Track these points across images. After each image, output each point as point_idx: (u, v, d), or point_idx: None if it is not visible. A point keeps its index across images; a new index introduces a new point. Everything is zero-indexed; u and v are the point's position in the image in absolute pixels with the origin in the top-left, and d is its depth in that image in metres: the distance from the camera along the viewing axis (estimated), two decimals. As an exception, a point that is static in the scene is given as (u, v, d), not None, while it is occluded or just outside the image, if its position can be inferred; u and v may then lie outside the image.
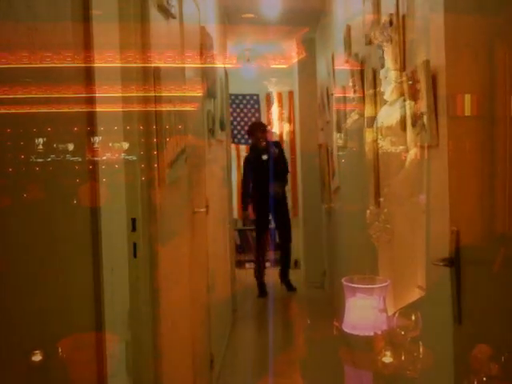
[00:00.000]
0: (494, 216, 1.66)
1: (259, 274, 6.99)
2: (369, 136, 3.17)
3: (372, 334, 2.53)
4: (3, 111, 1.32)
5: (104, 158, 2.02)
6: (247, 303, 6.71)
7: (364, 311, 2.52)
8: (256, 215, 7.08)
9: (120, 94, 2.15)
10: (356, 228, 4.13)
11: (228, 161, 6.24)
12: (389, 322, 2.45)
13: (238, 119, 8.68)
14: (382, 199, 2.98)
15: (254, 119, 8.62)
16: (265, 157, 6.88)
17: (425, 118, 2.13)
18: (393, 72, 2.52)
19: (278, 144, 7.35)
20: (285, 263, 7.11)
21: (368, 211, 3.14)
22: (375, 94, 3.07)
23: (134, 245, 2.18)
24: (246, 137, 8.69)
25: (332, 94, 5.36)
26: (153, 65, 2.32)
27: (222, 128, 5.27)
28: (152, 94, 2.32)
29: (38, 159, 1.47)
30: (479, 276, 1.77)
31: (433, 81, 2.12)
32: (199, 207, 3.58)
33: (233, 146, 8.03)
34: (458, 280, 1.82)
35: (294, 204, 8.24)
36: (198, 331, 3.42)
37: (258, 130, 7.01)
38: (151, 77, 2.32)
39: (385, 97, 2.70)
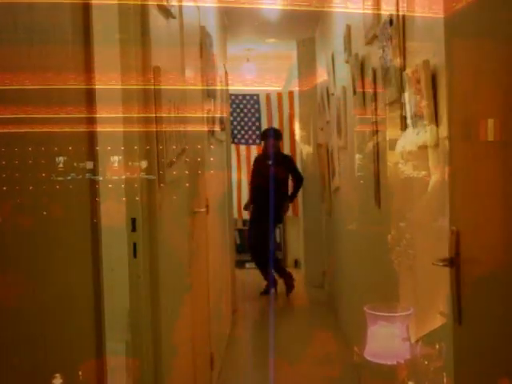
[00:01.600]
0: (494, 217, 1.66)
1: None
2: (390, 159, 3.07)
3: (395, 362, 2.46)
4: (10, 130, 1.33)
5: (104, 158, 2.02)
6: (247, 303, 6.70)
7: (386, 340, 2.45)
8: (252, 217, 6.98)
9: (120, 94, 2.15)
10: (357, 231, 4.12)
11: (228, 161, 6.24)
12: (412, 350, 2.37)
13: (238, 119, 8.67)
14: (403, 224, 2.89)
15: (254, 119, 8.62)
16: (270, 162, 6.66)
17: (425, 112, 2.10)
18: (414, 96, 2.45)
19: (286, 157, 7.17)
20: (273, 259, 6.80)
21: (389, 236, 3.05)
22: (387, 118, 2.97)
23: (134, 245, 2.18)
24: (246, 137, 8.70)
25: (332, 94, 5.36)
26: (152, 70, 2.32)
27: (222, 128, 5.26)
28: (152, 98, 2.32)
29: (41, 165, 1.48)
30: (479, 276, 1.77)
31: (432, 80, 2.12)
32: (199, 207, 3.58)
33: (233, 146, 8.02)
34: (457, 280, 1.82)
35: (294, 204, 8.23)
36: (198, 331, 3.42)
37: (270, 135, 6.86)
38: (151, 77, 2.32)
39: (408, 121, 2.62)
